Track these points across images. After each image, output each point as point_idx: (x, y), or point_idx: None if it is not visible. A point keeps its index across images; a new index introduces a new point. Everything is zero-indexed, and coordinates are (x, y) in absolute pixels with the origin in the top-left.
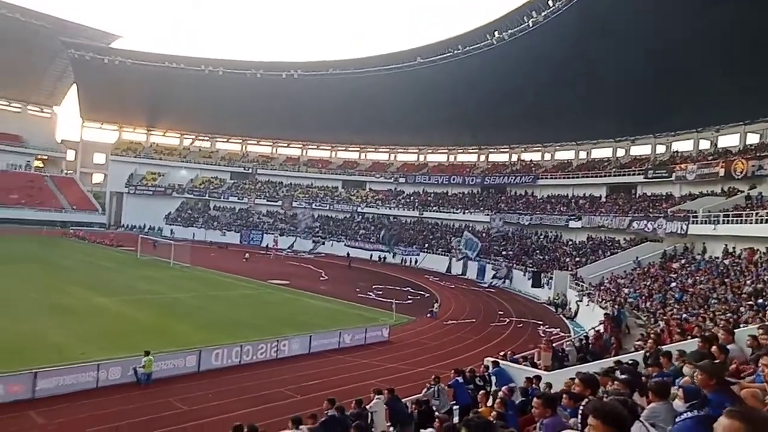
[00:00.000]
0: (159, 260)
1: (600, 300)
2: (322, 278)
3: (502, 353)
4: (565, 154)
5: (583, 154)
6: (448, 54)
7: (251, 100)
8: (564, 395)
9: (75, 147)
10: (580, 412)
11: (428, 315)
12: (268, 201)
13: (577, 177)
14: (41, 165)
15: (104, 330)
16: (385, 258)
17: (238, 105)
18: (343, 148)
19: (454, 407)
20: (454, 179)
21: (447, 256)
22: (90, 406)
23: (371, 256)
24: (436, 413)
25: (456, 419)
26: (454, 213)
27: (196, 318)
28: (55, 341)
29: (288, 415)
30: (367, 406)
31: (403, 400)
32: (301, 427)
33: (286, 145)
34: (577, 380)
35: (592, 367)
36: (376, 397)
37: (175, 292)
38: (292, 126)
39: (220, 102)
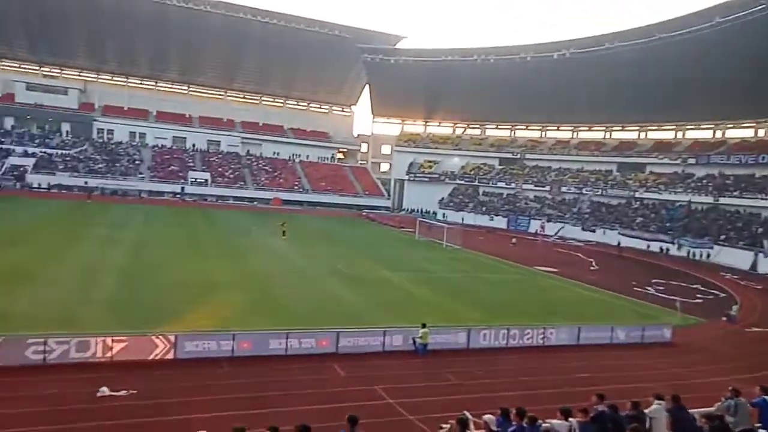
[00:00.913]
0: (433, 242)
1: None
2: (592, 268)
3: None
4: None
5: None
6: (761, 6)
7: (520, 84)
8: None
9: (367, 140)
10: None
11: (724, 318)
12: (535, 186)
13: None
14: (342, 157)
15: (389, 300)
16: (667, 250)
17: (507, 91)
18: (619, 128)
19: (760, 430)
20: (764, 158)
21: (752, 250)
22: (378, 367)
23: (648, 246)
24: None
25: None
26: (762, 199)
27: (466, 297)
28: (351, 306)
29: (553, 405)
30: (646, 411)
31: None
32: (570, 419)
33: (555, 128)
34: None
35: None
36: (656, 402)
37: (447, 272)
38: (563, 108)
39: (491, 89)
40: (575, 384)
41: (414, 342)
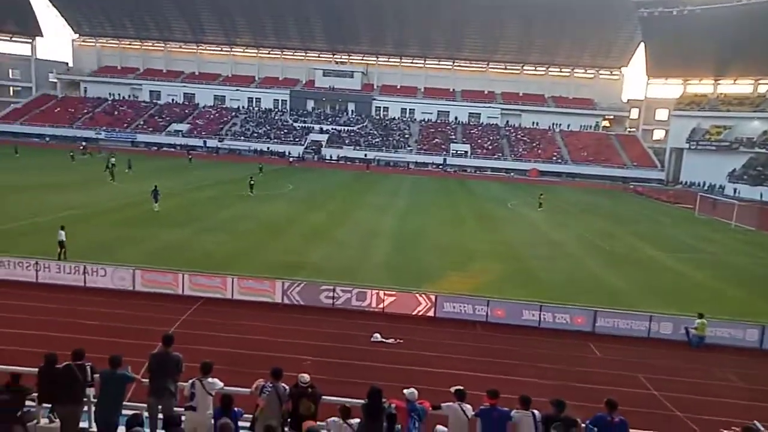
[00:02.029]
0: (718, 220)
1: None
2: None
3: None
4: None
5: None
6: None
7: None
8: None
9: (639, 105)
10: None
11: None
12: None
13: None
14: (608, 124)
15: (656, 282)
16: None
17: None
18: None
19: None
20: None
21: None
22: (641, 353)
23: None
24: None
25: None
26: None
27: (759, 288)
28: (611, 285)
29: None
30: None
31: None
32: None
33: None
34: None
35: None
36: None
37: (734, 256)
38: None
39: None
40: None
41: (687, 333)
